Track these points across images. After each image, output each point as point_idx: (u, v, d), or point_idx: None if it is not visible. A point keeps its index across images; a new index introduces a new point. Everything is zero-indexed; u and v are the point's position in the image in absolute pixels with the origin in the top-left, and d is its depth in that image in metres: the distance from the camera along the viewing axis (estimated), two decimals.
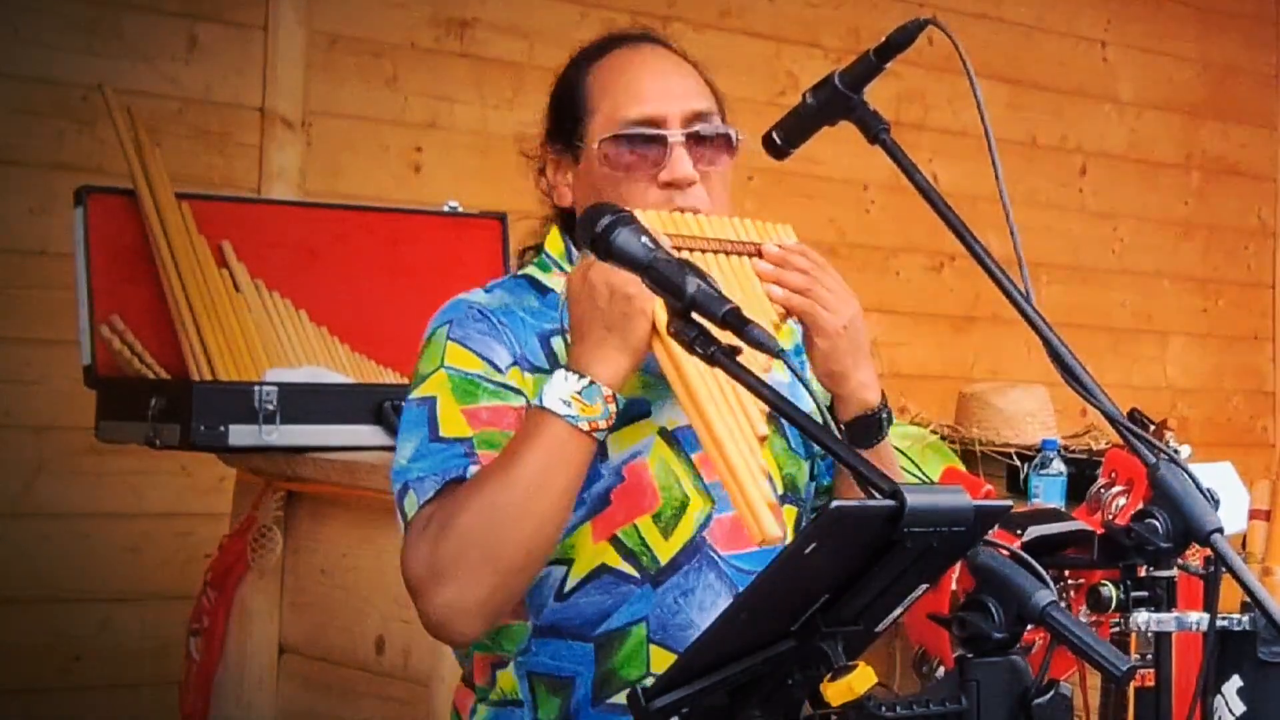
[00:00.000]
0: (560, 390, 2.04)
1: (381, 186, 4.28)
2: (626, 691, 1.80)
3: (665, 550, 2.17)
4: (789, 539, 2.16)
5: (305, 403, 3.23)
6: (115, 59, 3.95)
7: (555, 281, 2.24)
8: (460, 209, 3.74)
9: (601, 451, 2.12)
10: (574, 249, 2.25)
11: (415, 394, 2.16)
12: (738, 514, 1.97)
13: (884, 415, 2.21)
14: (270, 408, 3.19)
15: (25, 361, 3.85)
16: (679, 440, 2.19)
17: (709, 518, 2.19)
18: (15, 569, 3.82)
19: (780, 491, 2.23)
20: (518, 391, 2.14)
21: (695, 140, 2.19)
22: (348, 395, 3.30)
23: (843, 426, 2.20)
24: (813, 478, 2.34)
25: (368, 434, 3.24)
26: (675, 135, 2.18)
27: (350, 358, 3.51)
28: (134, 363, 3.31)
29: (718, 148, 2.21)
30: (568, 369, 2.05)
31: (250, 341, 3.38)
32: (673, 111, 2.18)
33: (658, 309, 2.02)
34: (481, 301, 2.20)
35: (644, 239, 1.95)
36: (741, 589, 2.15)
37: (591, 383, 2.03)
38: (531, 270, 2.28)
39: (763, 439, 2.01)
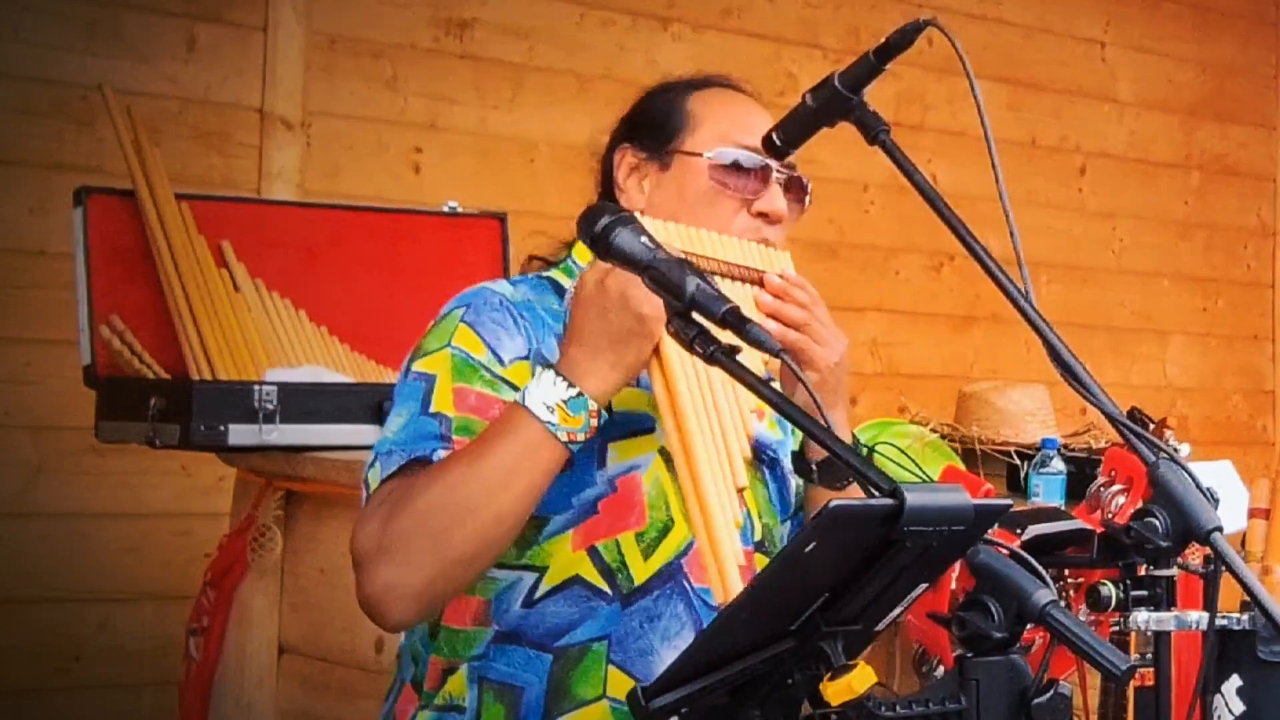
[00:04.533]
0: (546, 394, 2.01)
1: (381, 187, 4.29)
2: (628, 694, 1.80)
3: (642, 571, 2.15)
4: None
5: (305, 402, 3.23)
6: (115, 59, 3.95)
7: None
8: (460, 209, 3.74)
9: (600, 459, 2.11)
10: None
11: (416, 366, 2.15)
12: (703, 558, 1.98)
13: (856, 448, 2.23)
14: (270, 407, 3.19)
15: (25, 361, 3.85)
16: None
17: (689, 545, 2.17)
18: (15, 569, 3.83)
19: (757, 538, 2.23)
20: (514, 388, 2.11)
21: (791, 182, 2.26)
22: (348, 395, 3.30)
23: (814, 466, 2.21)
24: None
25: (368, 434, 3.23)
26: (780, 171, 2.23)
27: (350, 358, 3.51)
28: (134, 363, 3.31)
29: (799, 197, 2.28)
30: (557, 372, 2.02)
31: (250, 341, 3.38)
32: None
33: (665, 335, 2.01)
34: (506, 293, 2.19)
35: (644, 239, 1.95)
36: (706, 622, 2.15)
37: (580, 394, 2.01)
38: (556, 274, 2.27)
39: (741, 490, 2.01)
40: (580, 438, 2.03)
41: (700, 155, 2.22)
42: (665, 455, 2.16)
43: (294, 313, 3.50)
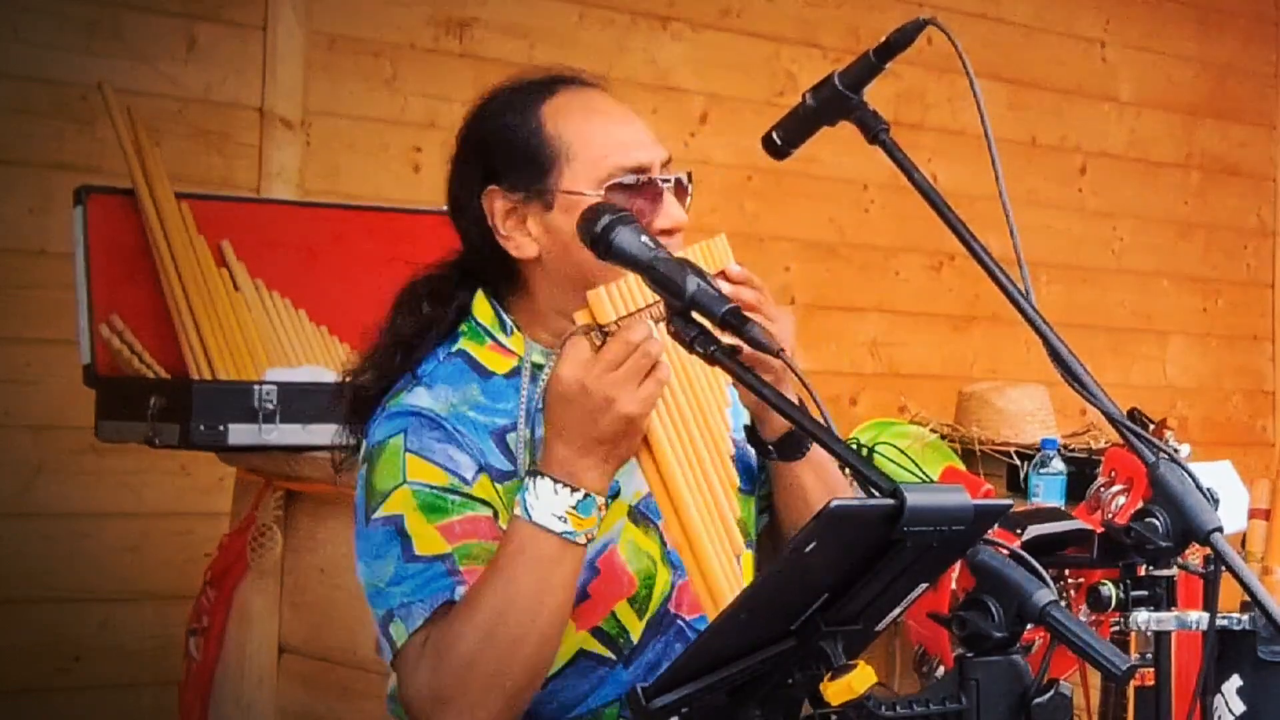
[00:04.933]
0: (551, 505, 1.96)
1: (381, 186, 4.28)
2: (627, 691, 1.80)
3: (638, 628, 2.14)
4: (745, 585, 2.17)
5: (305, 402, 3.23)
6: (115, 59, 3.95)
7: (493, 359, 2.16)
8: None
9: None
10: (505, 316, 2.17)
11: (378, 513, 2.08)
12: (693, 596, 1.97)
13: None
14: (270, 407, 3.19)
15: (25, 361, 3.85)
16: (644, 514, 2.15)
17: (673, 587, 2.16)
18: (15, 569, 3.82)
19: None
20: (486, 503, 2.07)
21: (675, 186, 2.16)
22: None
23: (770, 446, 2.18)
24: (760, 507, 2.32)
25: None
26: (668, 182, 2.14)
27: (350, 358, 3.50)
28: (133, 362, 3.31)
29: (684, 196, 2.18)
30: (554, 479, 1.97)
31: (250, 341, 3.38)
32: (654, 159, 2.14)
33: (652, 425, 1.98)
34: (430, 408, 2.09)
35: (644, 238, 1.95)
36: None
37: (587, 495, 1.97)
38: (465, 345, 2.17)
39: (740, 553, 2.01)
40: (596, 533, 2.00)
41: (587, 195, 2.08)
42: (632, 515, 2.15)
43: (294, 313, 3.50)
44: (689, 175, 2.19)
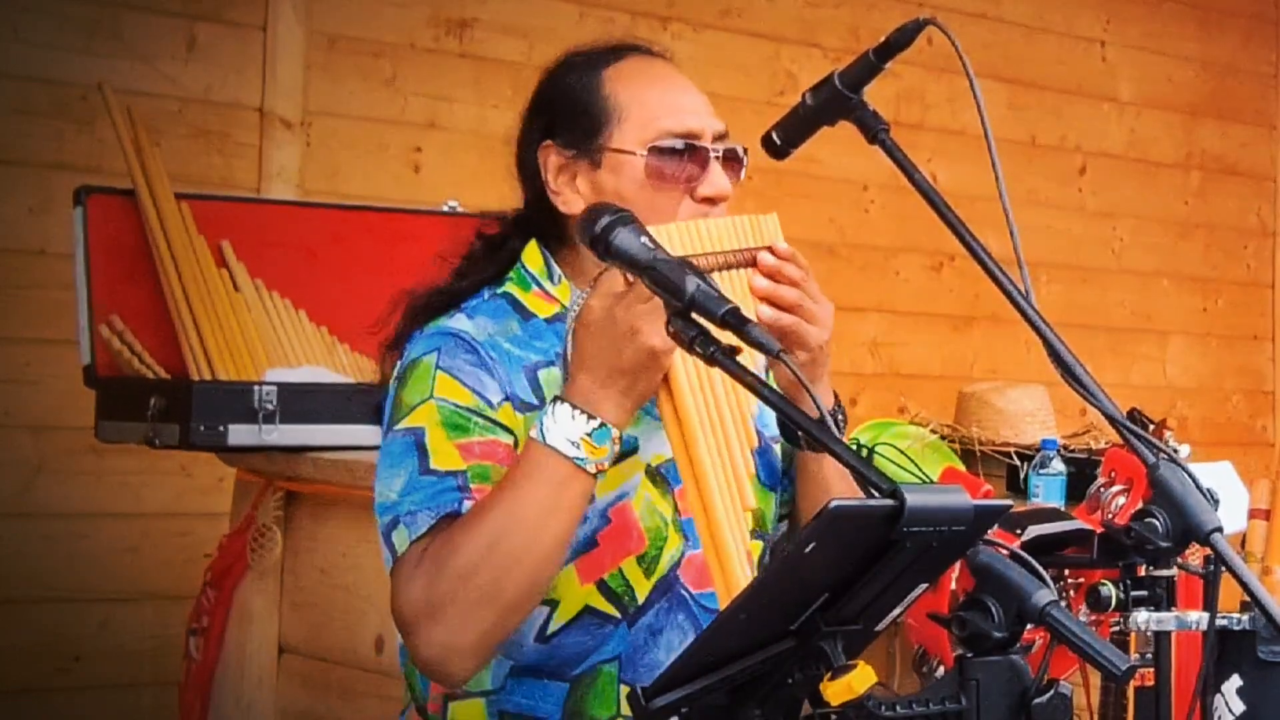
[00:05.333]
0: (567, 430, 1.98)
1: (381, 186, 4.29)
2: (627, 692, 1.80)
3: (644, 589, 2.15)
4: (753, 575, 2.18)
5: (305, 403, 3.23)
6: (115, 59, 3.95)
7: (537, 303, 2.20)
8: (460, 209, 3.74)
9: None
10: (554, 265, 2.21)
11: (401, 424, 2.09)
12: (709, 575, 1.98)
13: (838, 415, 2.20)
14: (270, 407, 3.19)
15: (25, 361, 3.85)
16: (663, 476, 2.16)
17: (682, 555, 2.17)
18: (15, 569, 3.83)
19: (751, 526, 2.21)
20: (508, 430, 2.09)
21: (727, 155, 2.19)
22: (347, 395, 3.30)
23: (799, 432, 2.18)
24: (780, 514, 2.32)
25: (367, 434, 3.23)
26: (716, 151, 2.17)
27: (350, 358, 3.51)
28: (133, 362, 3.32)
29: (736, 168, 2.21)
30: (573, 405, 1.99)
31: (250, 341, 3.38)
32: (707, 127, 2.17)
33: (674, 362, 1.99)
34: (470, 332, 2.13)
35: (643, 239, 1.95)
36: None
37: (602, 424, 1.99)
38: (511, 288, 2.21)
39: (750, 510, 2.01)
40: (607, 466, 2.01)
41: (634, 154, 2.14)
42: (650, 473, 2.16)
43: (294, 313, 3.50)
44: (744, 149, 2.21)
